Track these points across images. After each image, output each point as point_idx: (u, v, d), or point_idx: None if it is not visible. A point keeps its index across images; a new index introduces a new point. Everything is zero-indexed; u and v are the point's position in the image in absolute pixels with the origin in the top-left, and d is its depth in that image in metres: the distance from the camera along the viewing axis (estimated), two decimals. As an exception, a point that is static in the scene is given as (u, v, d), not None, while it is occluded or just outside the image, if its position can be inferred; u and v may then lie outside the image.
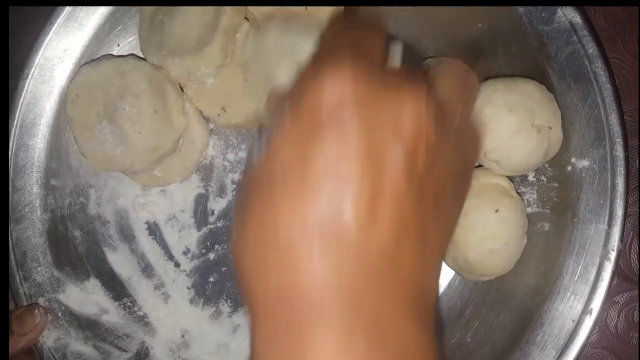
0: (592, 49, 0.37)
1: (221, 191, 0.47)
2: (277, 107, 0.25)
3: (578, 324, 0.35)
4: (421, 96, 0.24)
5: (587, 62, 0.37)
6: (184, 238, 0.47)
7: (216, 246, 0.46)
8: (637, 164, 0.43)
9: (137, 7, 0.45)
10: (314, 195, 0.22)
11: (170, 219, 0.47)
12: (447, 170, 0.25)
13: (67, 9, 0.43)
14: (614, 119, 0.36)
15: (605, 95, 0.36)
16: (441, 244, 0.26)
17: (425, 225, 0.24)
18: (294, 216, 0.22)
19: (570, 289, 0.36)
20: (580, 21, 0.37)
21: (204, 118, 0.46)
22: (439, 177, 0.25)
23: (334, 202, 0.22)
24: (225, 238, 0.46)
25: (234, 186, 0.46)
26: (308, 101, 0.23)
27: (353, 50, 0.25)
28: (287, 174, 0.23)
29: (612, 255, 0.35)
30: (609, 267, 0.35)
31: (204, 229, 0.46)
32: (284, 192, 0.23)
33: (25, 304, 0.42)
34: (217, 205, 0.47)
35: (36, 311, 0.42)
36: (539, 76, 0.39)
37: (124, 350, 0.44)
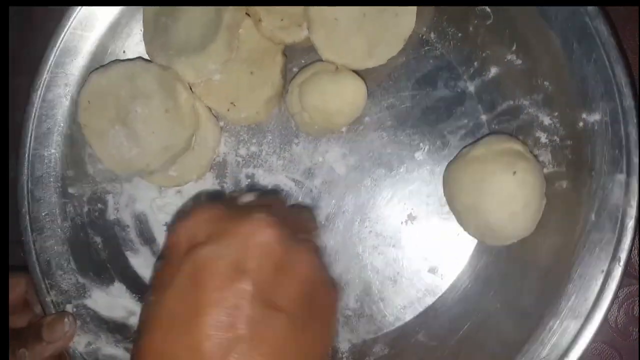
0: (591, 6, 0.37)
1: (236, 186, 0.47)
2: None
3: (608, 273, 0.35)
4: (263, 225, 0.28)
5: (588, 20, 0.37)
6: (204, 235, 0.47)
7: (237, 241, 0.46)
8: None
9: (141, 12, 0.46)
10: (171, 341, 0.25)
11: (189, 218, 0.47)
12: (298, 281, 0.28)
13: (72, 18, 0.44)
14: (620, 70, 0.37)
15: (609, 50, 0.37)
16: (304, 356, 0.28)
17: (282, 336, 0.26)
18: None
19: (596, 241, 0.36)
20: (578, -20, 0.37)
21: (214, 115, 0.46)
22: (290, 289, 0.28)
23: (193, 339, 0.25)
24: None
25: (249, 180, 0.47)
26: (171, 248, 0.28)
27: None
28: (154, 323, 0.27)
29: (634, 202, 0.35)
30: (632, 213, 0.35)
31: (223, 225, 0.47)
32: (152, 338, 0.26)
33: (53, 311, 0.42)
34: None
35: (66, 319, 0.42)
36: (542, 39, 0.40)
37: (155, 351, 0.44)
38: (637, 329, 0.44)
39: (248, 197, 0.33)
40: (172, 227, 0.30)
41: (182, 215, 0.31)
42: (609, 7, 0.39)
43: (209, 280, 0.26)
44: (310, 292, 0.29)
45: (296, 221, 0.34)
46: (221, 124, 0.47)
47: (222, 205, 0.30)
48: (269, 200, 0.36)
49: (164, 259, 0.29)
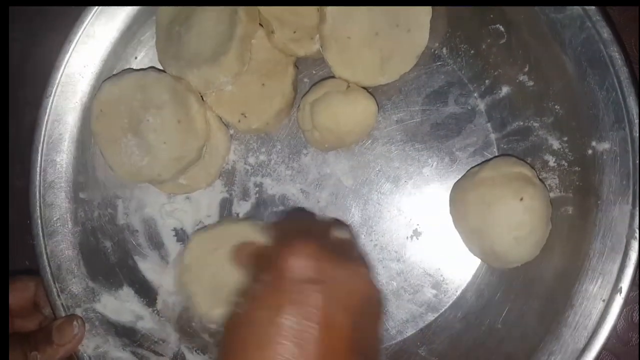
0: (606, 33, 0.37)
1: (244, 194, 0.47)
2: (247, 260, 0.35)
3: (608, 303, 0.36)
4: (363, 272, 0.33)
5: (602, 47, 0.37)
6: (212, 242, 0.47)
7: (244, 249, 0.47)
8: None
9: (153, 20, 0.46)
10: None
11: (197, 225, 0.48)
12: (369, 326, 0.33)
13: (84, 25, 0.44)
14: (632, 101, 0.37)
15: (622, 79, 0.37)
16: None
17: None
18: None
19: (599, 270, 0.37)
20: (593, 7, 0.37)
21: (224, 125, 0.47)
22: (364, 334, 0.32)
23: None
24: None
25: (257, 189, 0.47)
26: (280, 274, 0.30)
27: (308, 233, 0.34)
28: (261, 338, 0.29)
29: (639, 233, 0.35)
30: (636, 246, 0.35)
31: (231, 233, 0.47)
32: (256, 354, 0.29)
33: (63, 315, 0.43)
34: (241, 208, 0.47)
35: (75, 322, 0.43)
36: (554, 63, 0.40)
37: (161, 355, 0.45)
38: (636, 335, 0.45)
39: (344, 235, 0.38)
40: (281, 252, 0.32)
41: (288, 241, 0.33)
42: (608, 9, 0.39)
43: (318, 316, 0.29)
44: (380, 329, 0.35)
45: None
46: (231, 132, 0.47)
47: (321, 243, 0.33)
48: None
49: (270, 279, 0.31)
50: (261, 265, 0.34)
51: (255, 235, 0.42)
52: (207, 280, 0.43)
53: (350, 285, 0.31)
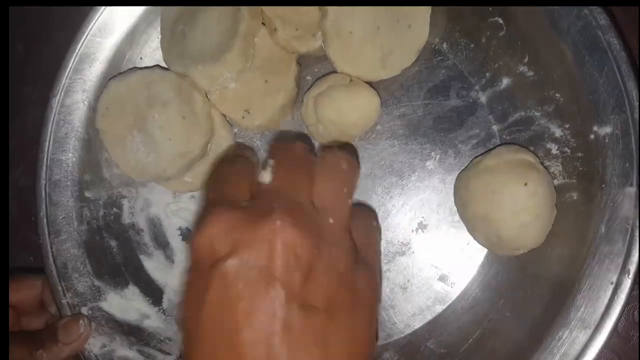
0: (603, 20, 0.38)
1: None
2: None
3: (617, 285, 0.36)
4: (283, 226, 0.26)
5: (600, 33, 0.38)
6: (218, 240, 0.47)
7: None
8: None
9: (158, 20, 0.46)
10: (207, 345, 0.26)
11: (202, 223, 0.47)
12: (331, 275, 0.27)
13: (91, 25, 0.45)
14: (631, 84, 0.37)
15: (620, 63, 0.37)
16: (349, 347, 0.27)
17: (323, 332, 0.26)
18: None
19: (605, 253, 0.36)
20: (590, -6, 0.38)
21: (228, 122, 0.47)
22: (324, 284, 0.27)
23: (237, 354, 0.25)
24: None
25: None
26: (194, 263, 0.27)
27: (218, 196, 0.30)
28: (192, 335, 0.26)
29: (645, 215, 0.36)
30: (642, 226, 0.36)
31: (236, 230, 0.47)
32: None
33: (69, 314, 0.43)
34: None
35: (81, 321, 0.43)
36: (553, 51, 0.40)
37: (168, 354, 0.45)
38: (637, 334, 0.44)
39: (266, 178, 0.30)
40: (191, 239, 0.28)
41: (198, 222, 0.28)
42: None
43: (240, 292, 0.25)
44: (349, 284, 0.28)
45: (329, 174, 0.31)
46: (235, 130, 0.48)
47: (237, 203, 0.28)
48: (290, 149, 0.32)
49: (191, 272, 0.28)
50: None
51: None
52: None
53: (267, 242, 0.26)
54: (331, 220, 0.29)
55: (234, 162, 0.34)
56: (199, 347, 0.26)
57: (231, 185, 0.31)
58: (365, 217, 0.33)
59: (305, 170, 0.31)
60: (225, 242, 0.26)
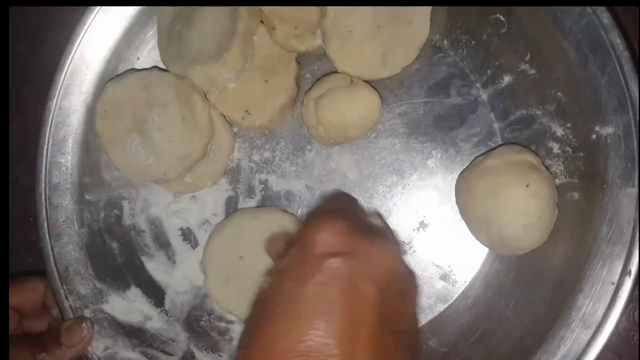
0: (606, 19, 0.37)
1: (250, 192, 0.47)
2: (280, 250, 0.34)
3: (618, 286, 0.36)
4: (392, 249, 0.33)
5: (603, 32, 0.38)
6: (219, 240, 0.47)
7: (251, 246, 0.47)
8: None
9: (155, 19, 0.46)
10: (305, 329, 0.28)
11: (203, 224, 0.48)
12: (399, 304, 0.32)
13: (86, 26, 0.44)
14: (634, 84, 0.37)
15: (623, 63, 0.37)
16: None
17: (391, 352, 0.29)
18: (287, 345, 0.27)
19: (607, 253, 0.37)
20: (593, -7, 0.38)
21: (228, 122, 0.47)
22: (394, 311, 0.31)
23: (320, 338, 0.27)
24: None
25: (262, 186, 0.47)
26: (306, 248, 0.31)
27: (339, 212, 0.34)
28: (287, 308, 0.29)
29: (646, 215, 0.36)
30: (643, 227, 0.36)
31: (237, 230, 0.47)
32: (282, 324, 0.28)
33: (72, 316, 0.43)
34: (247, 206, 0.47)
35: (84, 324, 0.43)
36: (556, 50, 0.40)
37: (170, 354, 0.45)
38: (638, 334, 0.45)
39: (377, 221, 0.38)
40: (308, 228, 0.32)
41: (316, 218, 0.32)
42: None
43: (343, 285, 0.29)
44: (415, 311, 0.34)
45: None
46: (235, 130, 0.47)
47: (351, 222, 0.32)
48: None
49: (297, 253, 0.31)
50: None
51: (286, 223, 0.43)
52: (228, 268, 0.44)
53: (378, 259, 0.31)
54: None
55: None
56: (292, 317, 0.28)
57: (347, 213, 0.35)
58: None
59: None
60: (340, 243, 0.30)
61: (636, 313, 0.45)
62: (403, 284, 0.32)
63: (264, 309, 0.30)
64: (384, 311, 0.29)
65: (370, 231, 0.35)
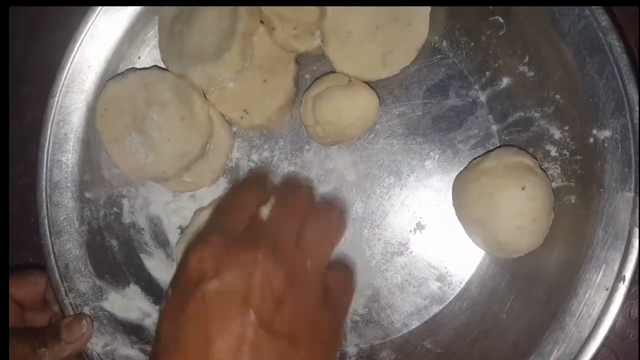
0: (605, 21, 0.37)
1: (249, 191, 0.48)
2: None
3: (612, 292, 0.36)
4: (265, 260, 0.30)
5: (601, 35, 0.37)
6: (217, 239, 0.48)
7: (249, 245, 0.47)
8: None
9: (156, 19, 0.46)
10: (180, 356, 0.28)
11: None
12: (298, 310, 0.31)
13: (88, 25, 0.45)
14: (632, 88, 0.36)
15: (621, 66, 0.37)
16: None
17: (284, 357, 0.29)
18: None
19: (602, 258, 0.36)
20: (591, -5, 0.37)
21: (227, 122, 0.47)
22: (291, 317, 0.30)
23: None
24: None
25: (261, 185, 0.48)
26: (180, 276, 0.31)
27: (217, 222, 0.34)
28: (168, 346, 0.29)
29: (641, 221, 0.35)
30: (638, 233, 0.35)
31: (236, 229, 0.48)
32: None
33: (72, 313, 0.44)
34: (246, 205, 0.48)
35: (84, 321, 0.43)
36: (554, 52, 0.40)
37: (169, 352, 0.45)
38: (635, 331, 0.44)
39: (264, 212, 0.35)
40: (184, 258, 0.32)
41: (193, 243, 0.32)
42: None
43: (217, 312, 0.29)
44: (312, 322, 0.31)
45: (320, 222, 0.35)
46: (234, 129, 0.48)
47: (231, 231, 0.32)
48: (293, 192, 0.38)
49: (176, 287, 0.31)
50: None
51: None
52: None
53: (259, 264, 0.30)
54: (309, 264, 0.32)
55: (242, 190, 0.39)
56: (172, 357, 0.29)
57: (231, 216, 0.35)
58: (346, 274, 0.37)
59: (300, 214, 0.35)
60: (212, 265, 0.30)
61: (633, 310, 0.44)
62: (284, 291, 0.31)
63: (155, 348, 0.31)
64: (266, 322, 0.29)
65: (251, 236, 0.32)
